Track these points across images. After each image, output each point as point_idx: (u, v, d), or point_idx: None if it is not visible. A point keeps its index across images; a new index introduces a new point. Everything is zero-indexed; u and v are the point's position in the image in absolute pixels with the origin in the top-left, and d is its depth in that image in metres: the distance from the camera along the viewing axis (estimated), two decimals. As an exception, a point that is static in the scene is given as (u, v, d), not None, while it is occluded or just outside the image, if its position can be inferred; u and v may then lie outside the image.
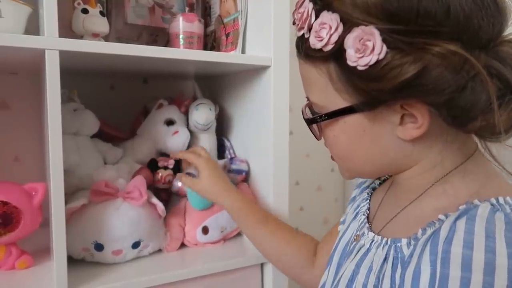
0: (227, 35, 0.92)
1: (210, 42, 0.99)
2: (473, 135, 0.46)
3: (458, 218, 0.39)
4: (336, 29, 0.42)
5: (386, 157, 0.48)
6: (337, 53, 0.43)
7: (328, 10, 0.43)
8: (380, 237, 0.49)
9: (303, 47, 0.47)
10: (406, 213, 0.49)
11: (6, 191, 0.73)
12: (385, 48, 0.39)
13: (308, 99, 0.51)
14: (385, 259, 0.46)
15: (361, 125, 0.46)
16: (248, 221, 0.75)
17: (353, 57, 0.41)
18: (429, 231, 0.42)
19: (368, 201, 0.59)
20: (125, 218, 0.77)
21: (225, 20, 0.93)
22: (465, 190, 0.44)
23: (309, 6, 0.45)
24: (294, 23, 0.49)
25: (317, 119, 0.48)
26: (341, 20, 0.42)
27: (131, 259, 0.81)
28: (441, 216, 0.42)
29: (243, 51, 0.89)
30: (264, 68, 0.84)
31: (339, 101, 0.46)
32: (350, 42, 0.41)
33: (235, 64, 0.83)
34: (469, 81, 0.39)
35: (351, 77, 0.43)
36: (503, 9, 0.40)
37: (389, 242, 0.47)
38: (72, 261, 0.76)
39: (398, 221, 0.50)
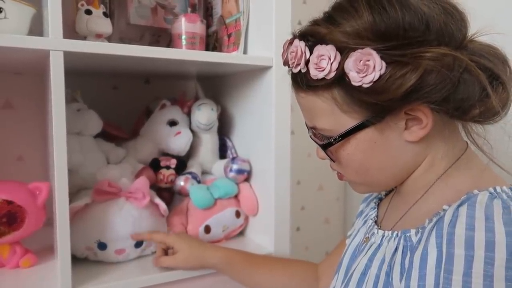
0: (229, 36, 0.92)
1: (212, 42, 1.00)
2: (462, 134, 0.52)
3: (460, 205, 0.43)
4: (335, 57, 0.46)
5: (398, 162, 0.51)
6: (339, 78, 0.47)
7: (321, 44, 0.47)
8: (390, 232, 0.52)
9: (303, 81, 0.50)
10: (414, 211, 0.52)
11: (11, 191, 0.74)
12: (384, 64, 0.44)
13: (313, 128, 0.53)
14: (396, 249, 0.49)
15: (371, 138, 0.49)
16: (244, 267, 0.75)
17: (357, 78, 0.45)
18: (435, 220, 0.46)
19: (376, 209, 0.62)
20: (128, 217, 0.78)
21: (227, 21, 0.93)
22: (465, 183, 0.48)
23: (300, 44, 0.49)
24: (285, 63, 0.52)
25: (332, 142, 0.51)
26: (337, 49, 0.46)
27: (134, 258, 0.82)
28: (445, 206, 0.46)
29: (245, 52, 0.90)
30: (266, 68, 0.85)
31: (348, 121, 0.49)
32: (350, 66, 0.45)
33: (237, 64, 0.83)
34: (461, 76, 0.45)
35: (357, 96, 0.47)
36: (463, 15, 0.48)
37: (399, 234, 0.50)
38: (76, 260, 0.76)
39: (406, 219, 0.53)
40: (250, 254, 0.79)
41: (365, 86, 0.45)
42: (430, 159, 0.51)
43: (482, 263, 0.38)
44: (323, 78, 0.47)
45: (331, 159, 0.54)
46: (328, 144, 0.51)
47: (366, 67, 0.44)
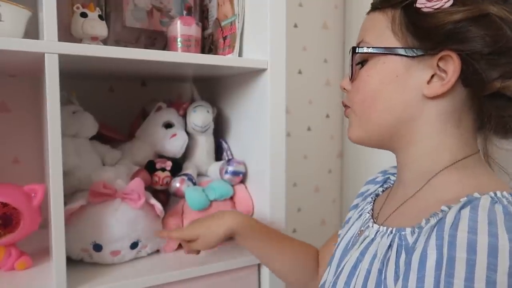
0: (225, 38, 0.93)
1: (208, 45, 1.00)
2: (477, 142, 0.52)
3: (462, 207, 0.43)
4: None
5: (404, 112, 0.52)
6: (409, 3, 0.50)
7: None
8: (385, 228, 0.52)
9: (381, 1, 0.55)
10: (410, 204, 0.52)
11: (6, 193, 0.74)
12: (452, 1, 0.48)
13: (360, 42, 0.56)
14: (390, 246, 0.49)
15: (395, 70, 0.51)
16: (261, 236, 0.74)
17: (423, 0, 0.49)
18: (433, 221, 0.45)
19: (372, 204, 0.62)
20: (124, 218, 0.78)
21: (223, 23, 0.94)
22: (467, 184, 0.48)
23: None
24: None
25: (365, 49, 0.54)
26: None
27: (129, 259, 0.82)
28: (444, 208, 0.45)
29: (240, 54, 0.90)
30: (261, 71, 0.85)
31: (390, 42, 0.52)
32: None
33: (232, 67, 0.84)
34: (506, 45, 0.46)
35: (412, 18, 0.50)
36: None
37: (393, 231, 0.50)
38: (71, 261, 0.76)
39: (402, 212, 0.53)
40: (264, 224, 0.77)
41: (424, 10, 0.48)
42: (437, 144, 0.51)
43: (484, 269, 0.37)
44: None
45: (351, 74, 0.56)
46: (362, 50, 0.54)
47: None
